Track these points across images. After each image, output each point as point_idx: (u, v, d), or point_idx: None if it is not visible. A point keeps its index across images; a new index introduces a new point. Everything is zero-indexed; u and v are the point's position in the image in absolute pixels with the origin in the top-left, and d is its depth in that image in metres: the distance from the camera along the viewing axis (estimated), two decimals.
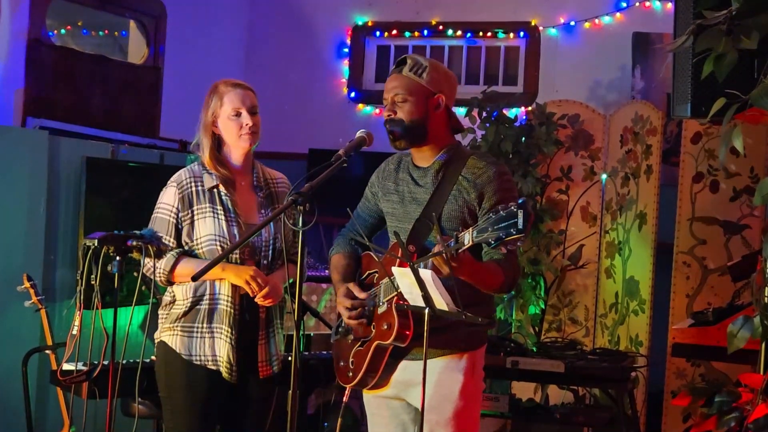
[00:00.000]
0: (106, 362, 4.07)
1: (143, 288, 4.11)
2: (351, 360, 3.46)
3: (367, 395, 3.55)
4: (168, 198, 3.76)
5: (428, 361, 3.29)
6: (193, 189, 3.74)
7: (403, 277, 3.11)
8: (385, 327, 3.31)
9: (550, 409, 5.43)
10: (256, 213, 3.80)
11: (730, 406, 3.92)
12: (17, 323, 4.95)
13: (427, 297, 3.03)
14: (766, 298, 3.57)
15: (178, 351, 3.72)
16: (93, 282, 4.02)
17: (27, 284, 4.61)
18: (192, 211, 3.74)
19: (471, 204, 3.34)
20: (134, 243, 3.96)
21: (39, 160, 5.08)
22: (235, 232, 3.70)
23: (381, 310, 3.35)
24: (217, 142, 3.80)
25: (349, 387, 3.50)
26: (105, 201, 5.28)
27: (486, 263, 3.28)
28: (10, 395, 4.85)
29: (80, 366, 4.24)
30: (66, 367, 4.30)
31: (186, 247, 3.76)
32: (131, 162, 5.55)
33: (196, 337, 3.71)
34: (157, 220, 3.77)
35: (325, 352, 5.08)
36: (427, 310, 3.05)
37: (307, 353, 5.07)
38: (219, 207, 3.73)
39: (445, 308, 3.02)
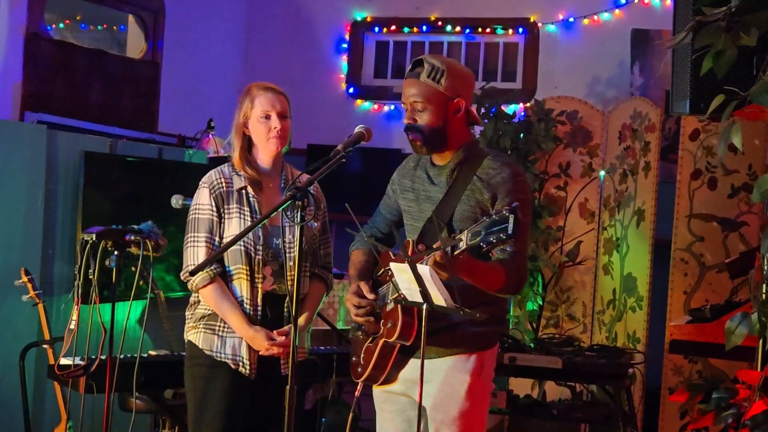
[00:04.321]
0: (103, 357, 4.07)
1: (141, 283, 4.10)
2: (362, 356, 3.47)
3: (376, 390, 3.56)
4: (204, 199, 3.77)
5: (436, 360, 3.34)
6: (224, 189, 3.76)
7: (401, 273, 3.11)
8: (390, 325, 3.32)
9: (547, 406, 5.43)
10: (282, 215, 3.78)
11: (728, 402, 3.91)
12: (15, 317, 4.94)
13: (424, 293, 3.03)
14: (763, 295, 3.57)
15: (201, 347, 3.74)
16: (91, 276, 4.02)
17: (25, 278, 4.60)
18: (222, 212, 3.76)
19: (484, 204, 3.33)
20: (132, 237, 3.97)
21: (37, 154, 5.07)
22: (260, 233, 3.71)
23: (389, 307, 3.35)
24: (248, 144, 3.82)
25: (360, 382, 3.50)
26: (103, 195, 5.27)
27: (489, 264, 3.26)
28: (7, 390, 4.85)
29: (78, 360, 4.23)
30: (63, 361, 4.29)
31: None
32: (129, 156, 5.55)
33: (218, 335, 3.74)
34: (199, 222, 3.75)
35: (322, 348, 5.08)
36: (425, 306, 3.06)
37: (309, 349, 5.06)
38: (246, 208, 3.75)
39: (443, 304, 3.02)
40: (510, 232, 2.80)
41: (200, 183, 3.83)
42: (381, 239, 3.67)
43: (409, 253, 3.24)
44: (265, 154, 3.82)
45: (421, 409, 3.19)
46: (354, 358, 3.53)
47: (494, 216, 2.85)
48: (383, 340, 3.36)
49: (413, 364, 3.40)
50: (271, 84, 3.87)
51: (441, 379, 3.37)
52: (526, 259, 3.40)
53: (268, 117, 3.77)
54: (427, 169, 3.50)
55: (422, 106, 3.36)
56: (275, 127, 3.76)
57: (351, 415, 3.72)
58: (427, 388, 3.39)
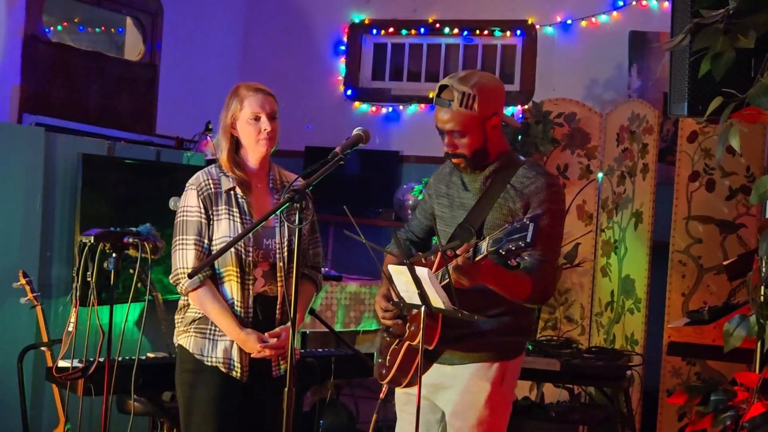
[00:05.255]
0: (101, 359, 4.07)
1: (139, 285, 4.10)
2: (387, 357, 3.47)
3: (398, 391, 3.56)
4: (191, 201, 3.72)
5: (459, 366, 3.37)
6: (212, 191, 3.71)
7: (398, 275, 3.11)
8: (414, 328, 3.32)
9: (545, 408, 5.42)
10: (280, 216, 3.75)
11: (726, 404, 3.92)
12: (13, 320, 4.94)
13: (423, 295, 3.04)
14: (762, 297, 3.57)
15: (191, 351, 3.71)
16: (89, 279, 4.02)
17: (23, 281, 4.60)
18: (210, 213, 3.72)
19: (516, 213, 3.31)
20: (130, 240, 3.96)
21: (35, 156, 5.07)
22: (250, 234, 3.67)
23: (414, 311, 3.34)
24: (235, 144, 3.78)
25: (385, 384, 3.50)
26: (101, 198, 5.27)
27: (514, 272, 3.25)
28: (5, 392, 4.84)
29: (76, 363, 4.23)
30: (61, 364, 4.29)
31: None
32: (127, 159, 5.55)
33: (209, 339, 3.70)
34: (188, 224, 3.71)
35: (320, 350, 5.08)
36: (423, 309, 3.06)
37: (302, 351, 5.07)
38: (235, 209, 3.71)
39: (442, 306, 3.02)
40: (529, 240, 2.81)
41: (187, 185, 3.77)
42: (416, 243, 3.67)
43: (438, 258, 3.24)
44: (253, 155, 3.77)
45: (419, 410, 3.19)
46: (380, 360, 3.53)
47: (515, 223, 2.87)
48: (407, 343, 3.36)
49: (436, 369, 3.40)
50: (260, 84, 3.81)
51: (462, 386, 3.37)
52: (554, 269, 3.39)
53: (257, 119, 3.71)
54: (462, 176, 3.48)
55: (461, 134, 3.34)
56: (265, 129, 3.71)
57: (375, 416, 3.72)
58: (448, 394, 3.40)
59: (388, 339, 3.49)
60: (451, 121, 3.33)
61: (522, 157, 3.52)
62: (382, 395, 3.57)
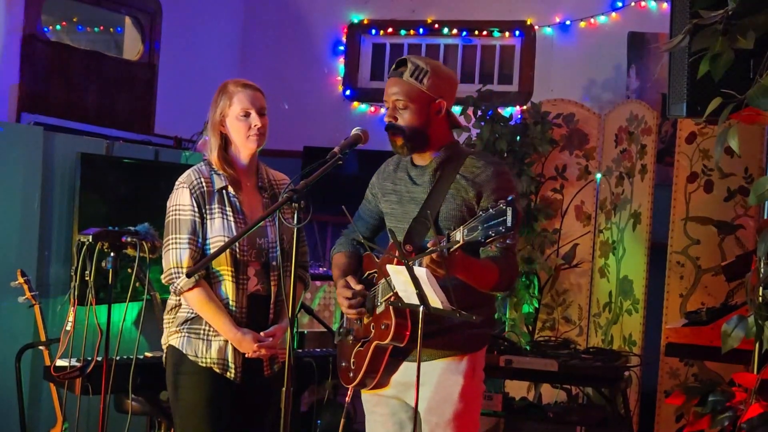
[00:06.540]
0: (99, 358, 4.07)
1: (137, 284, 4.10)
2: (352, 360, 3.45)
3: (366, 393, 3.54)
4: (184, 199, 3.68)
5: (429, 362, 3.34)
6: (205, 189, 3.69)
7: (398, 275, 3.11)
8: (383, 327, 3.31)
9: (543, 408, 5.43)
10: (278, 216, 3.73)
11: (724, 405, 3.92)
12: (11, 319, 4.94)
13: (421, 295, 3.03)
14: (760, 298, 3.57)
15: (185, 352, 3.67)
16: (87, 278, 4.02)
17: (21, 280, 4.60)
18: (204, 212, 3.70)
19: (470, 202, 3.33)
20: (129, 239, 3.96)
21: (33, 155, 5.07)
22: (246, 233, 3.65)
23: (379, 310, 3.34)
24: (224, 142, 3.77)
25: (351, 387, 3.49)
26: (99, 197, 5.27)
27: (481, 260, 3.27)
28: (3, 391, 4.84)
29: (74, 362, 4.23)
30: (59, 363, 4.29)
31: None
32: (126, 158, 5.54)
33: (203, 339, 3.66)
34: (181, 223, 3.66)
35: (318, 350, 5.08)
36: (422, 309, 3.06)
37: (300, 350, 5.07)
38: (228, 208, 3.69)
39: (440, 306, 3.02)
40: (509, 224, 2.81)
41: (177, 183, 3.74)
42: (362, 244, 3.66)
43: (395, 254, 3.23)
44: (243, 152, 3.76)
45: (417, 414, 3.19)
46: (344, 364, 3.51)
47: (491, 210, 2.86)
48: (375, 342, 3.35)
49: (405, 367, 3.40)
50: (248, 81, 3.80)
51: (434, 383, 3.37)
52: (516, 256, 3.40)
53: (247, 115, 3.71)
54: (409, 171, 3.50)
55: (404, 104, 3.37)
56: (255, 125, 3.70)
57: (342, 421, 3.72)
58: (421, 392, 3.38)
59: (350, 342, 3.48)
60: (398, 91, 3.37)
61: (467, 148, 3.54)
62: (348, 398, 3.56)
